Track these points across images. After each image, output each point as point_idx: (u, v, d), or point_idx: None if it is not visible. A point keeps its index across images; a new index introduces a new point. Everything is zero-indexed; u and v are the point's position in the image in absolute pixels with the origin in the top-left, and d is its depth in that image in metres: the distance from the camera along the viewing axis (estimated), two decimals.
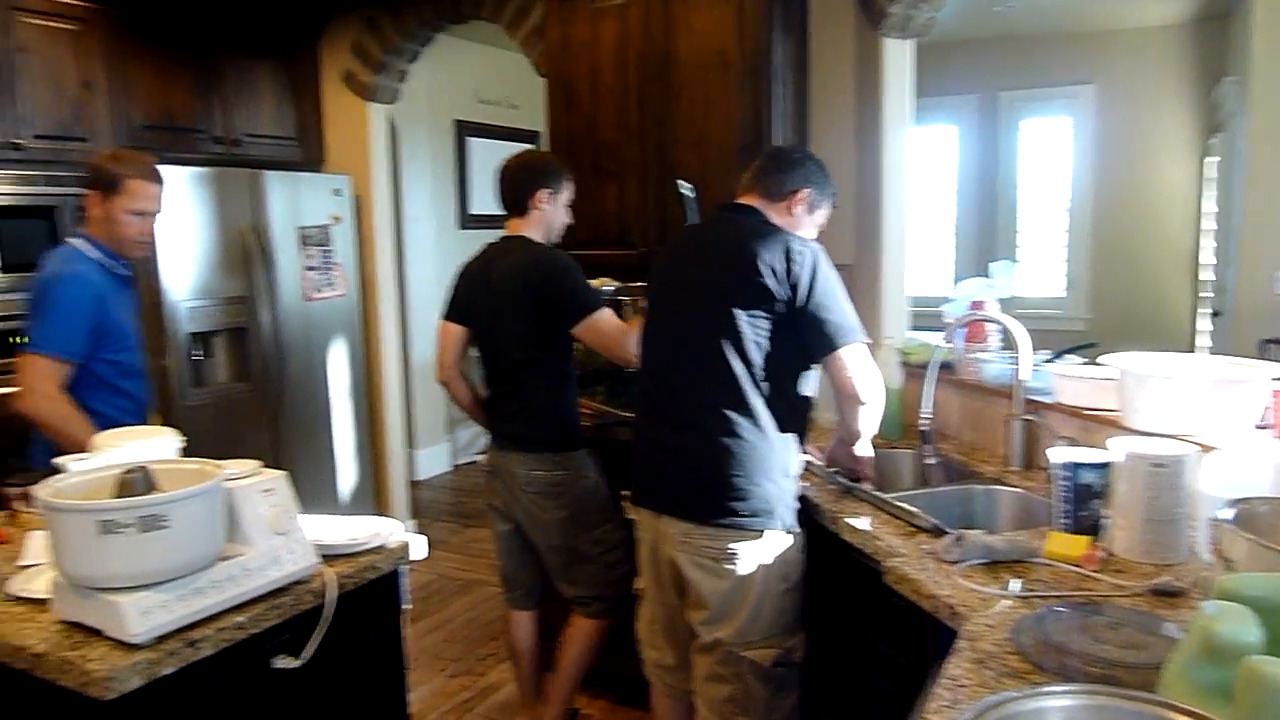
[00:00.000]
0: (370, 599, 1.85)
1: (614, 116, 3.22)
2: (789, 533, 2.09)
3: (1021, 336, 2.40)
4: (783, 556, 2.08)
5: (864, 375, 2.05)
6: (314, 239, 4.36)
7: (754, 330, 2.02)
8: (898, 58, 3.12)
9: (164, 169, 3.67)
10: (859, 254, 3.22)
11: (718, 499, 2.04)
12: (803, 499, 2.17)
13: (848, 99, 3.21)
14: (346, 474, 4.59)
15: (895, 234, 3.18)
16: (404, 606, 1.96)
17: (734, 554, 2.04)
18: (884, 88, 3.10)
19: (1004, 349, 2.79)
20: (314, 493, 4.14)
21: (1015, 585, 1.62)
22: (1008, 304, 2.83)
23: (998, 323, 2.68)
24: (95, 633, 1.47)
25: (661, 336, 2.21)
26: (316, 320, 4.39)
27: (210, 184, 3.90)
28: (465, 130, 6.44)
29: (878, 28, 3.08)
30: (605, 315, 2.56)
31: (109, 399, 2.47)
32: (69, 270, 2.41)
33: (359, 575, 1.80)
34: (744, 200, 2.19)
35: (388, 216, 4.83)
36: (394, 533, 1.92)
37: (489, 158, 6.62)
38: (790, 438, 2.10)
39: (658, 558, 2.21)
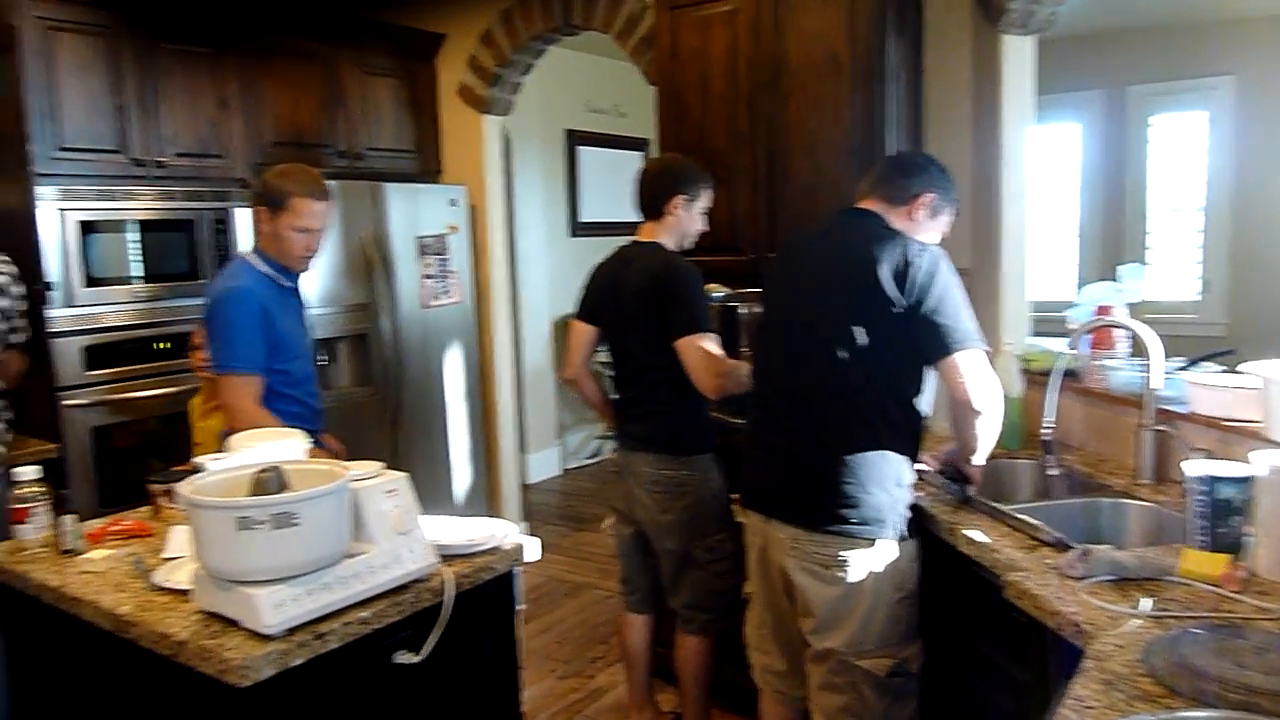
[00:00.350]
0: (486, 599, 1.90)
1: (724, 123, 3.22)
2: (901, 541, 2.05)
3: (1153, 342, 2.30)
4: (895, 565, 2.04)
5: (980, 383, 1.98)
6: (431, 248, 4.50)
7: (871, 336, 1.99)
8: (1018, 55, 3.02)
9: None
10: (977, 258, 3.12)
11: (828, 505, 2.02)
12: (916, 508, 2.12)
13: (964, 99, 3.13)
14: (461, 476, 4.71)
15: (1015, 237, 3.08)
16: (518, 607, 2.00)
17: (844, 561, 2.01)
18: (1003, 86, 3.01)
19: (1133, 356, 2.67)
20: (430, 494, 4.24)
21: (1146, 604, 1.54)
22: (1136, 309, 2.70)
23: (1126, 328, 2.57)
24: (232, 623, 1.55)
25: (777, 340, 2.20)
26: (433, 326, 4.53)
27: (334, 196, 4.05)
28: (576, 139, 6.54)
29: (996, 24, 2.99)
30: (708, 340, 2.55)
31: (281, 407, 2.50)
32: (234, 286, 2.48)
33: (475, 575, 1.85)
34: (864, 205, 2.16)
35: (501, 225, 4.95)
36: (509, 535, 1.97)
37: (599, 166, 6.71)
38: (905, 446, 2.06)
39: (767, 562, 2.20)
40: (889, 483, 2.02)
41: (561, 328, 6.48)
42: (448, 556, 1.84)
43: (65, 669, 1.91)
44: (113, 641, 1.68)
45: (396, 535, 1.68)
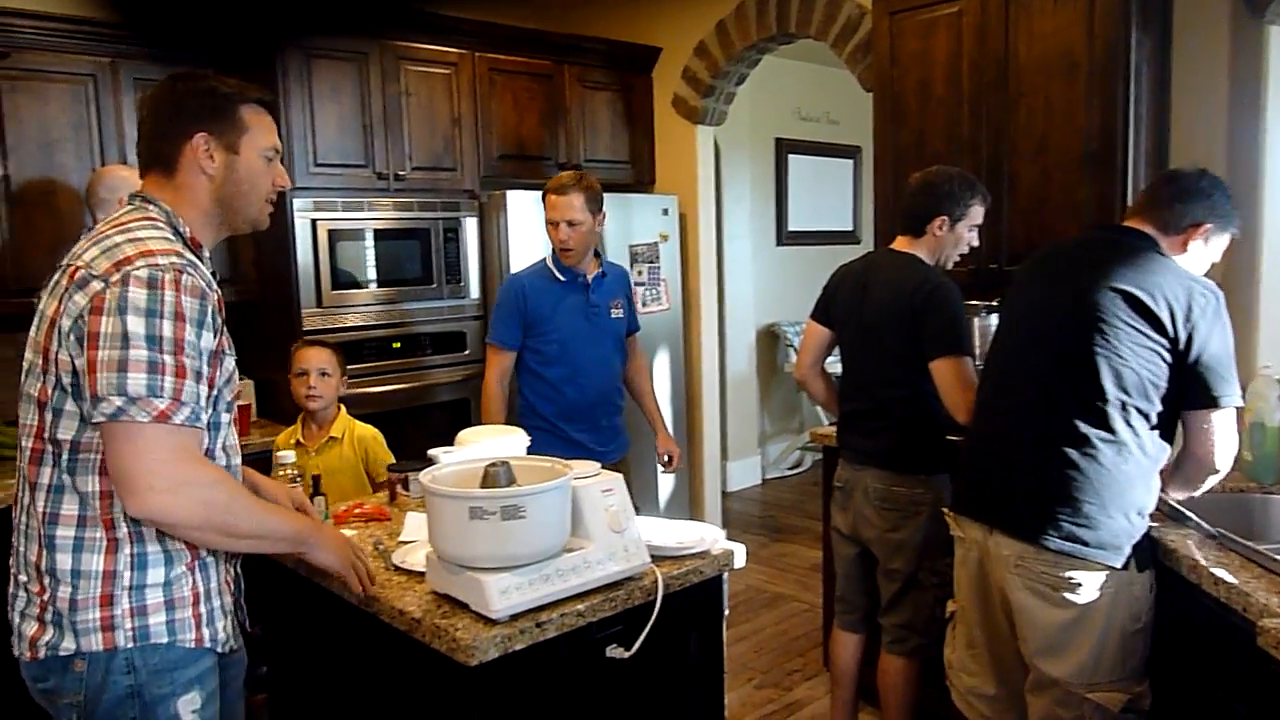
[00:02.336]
0: (694, 602, 1.92)
1: (944, 128, 3.12)
2: (1139, 571, 1.92)
3: None
4: (1131, 594, 1.92)
5: (1226, 443, 1.93)
6: (643, 256, 4.62)
7: (1135, 356, 1.90)
8: None
9: (515, 194, 4.08)
10: (1229, 271, 2.86)
11: (1063, 522, 1.92)
12: (1152, 539, 1.98)
13: (1219, 97, 2.87)
14: (665, 480, 4.79)
15: (1277, 249, 2.80)
16: (724, 612, 2.02)
17: (1076, 584, 1.91)
18: (1267, 81, 2.75)
19: None
20: (634, 496, 4.36)
21: None
22: None
23: None
24: (461, 605, 1.65)
25: (1022, 351, 2.11)
26: (643, 333, 4.59)
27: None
28: (785, 147, 6.51)
29: (1261, 15, 2.73)
30: (966, 362, 2.45)
31: (529, 383, 3.04)
32: (512, 275, 3.17)
33: (685, 578, 1.88)
34: (1135, 224, 2.06)
35: (709, 234, 5.00)
36: (718, 540, 1.99)
37: (808, 174, 6.66)
38: (1152, 472, 1.94)
39: (985, 578, 2.11)
40: (1131, 510, 1.92)
41: (765, 337, 6.46)
42: (658, 557, 1.87)
43: (315, 636, 2.10)
44: (356, 614, 1.83)
45: (612, 533, 1.74)
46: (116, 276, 1.40)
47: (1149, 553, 1.96)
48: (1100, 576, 1.91)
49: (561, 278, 3.03)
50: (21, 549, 1.52)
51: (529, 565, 1.62)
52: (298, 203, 3.62)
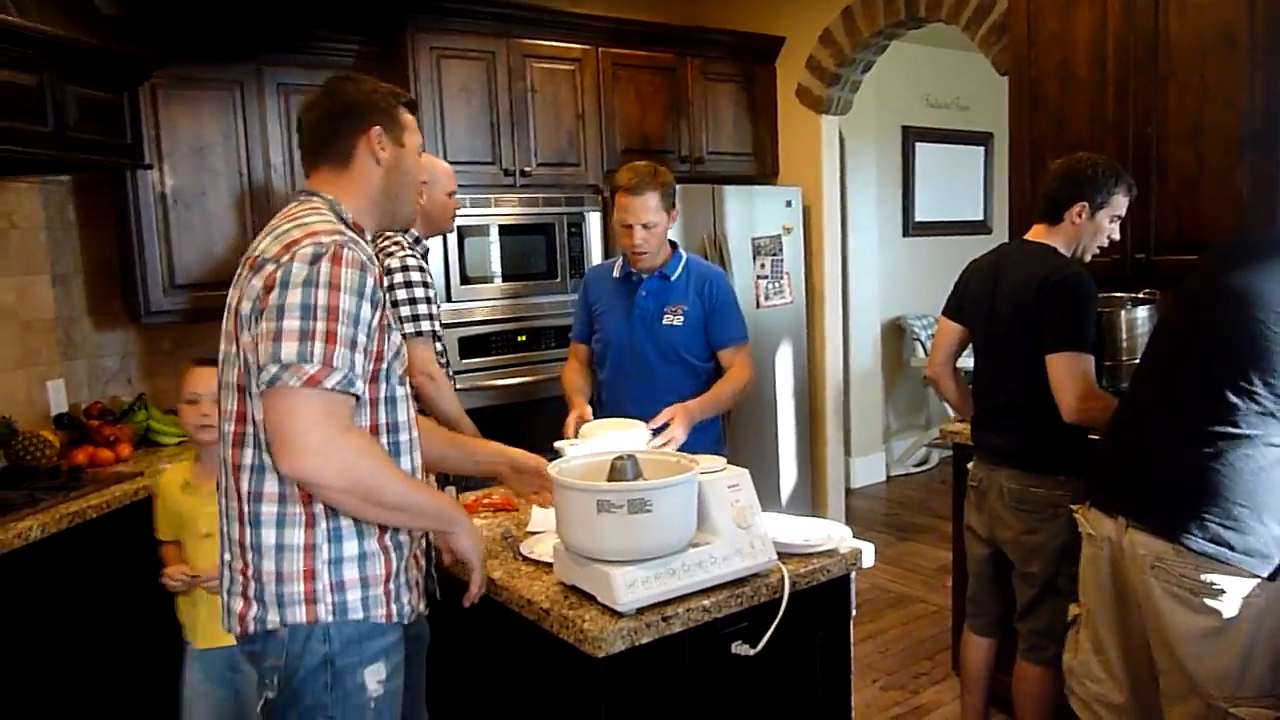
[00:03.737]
0: (821, 600, 1.89)
1: (1086, 112, 2.96)
2: None
3: None
4: None
5: None
6: (766, 249, 4.57)
7: None
8: None
9: None
10: None
11: (1209, 522, 1.81)
12: None
13: None
14: (788, 476, 4.74)
15: None
16: (851, 612, 1.98)
17: (1219, 590, 1.79)
18: None
19: None
20: (757, 491, 4.33)
21: None
22: None
23: None
24: (589, 597, 1.67)
25: (1177, 334, 2.02)
26: (765, 326, 4.59)
27: (678, 200, 4.25)
28: (913, 135, 6.34)
29: None
30: (1083, 359, 2.33)
31: (598, 371, 2.92)
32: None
33: (811, 576, 1.85)
34: None
35: (834, 225, 4.91)
36: (845, 538, 1.95)
37: (936, 163, 6.46)
38: None
39: (1119, 578, 2.00)
40: None
41: (891, 330, 6.31)
42: (785, 554, 1.85)
43: (446, 622, 2.16)
44: (486, 602, 1.87)
45: (738, 529, 1.72)
46: (286, 257, 1.49)
47: None
48: (1248, 584, 1.79)
49: (617, 274, 2.86)
50: (226, 530, 1.60)
51: (655, 559, 1.62)
52: None
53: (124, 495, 2.72)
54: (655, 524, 1.58)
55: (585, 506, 1.59)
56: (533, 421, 3.93)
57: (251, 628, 1.55)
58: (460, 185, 3.80)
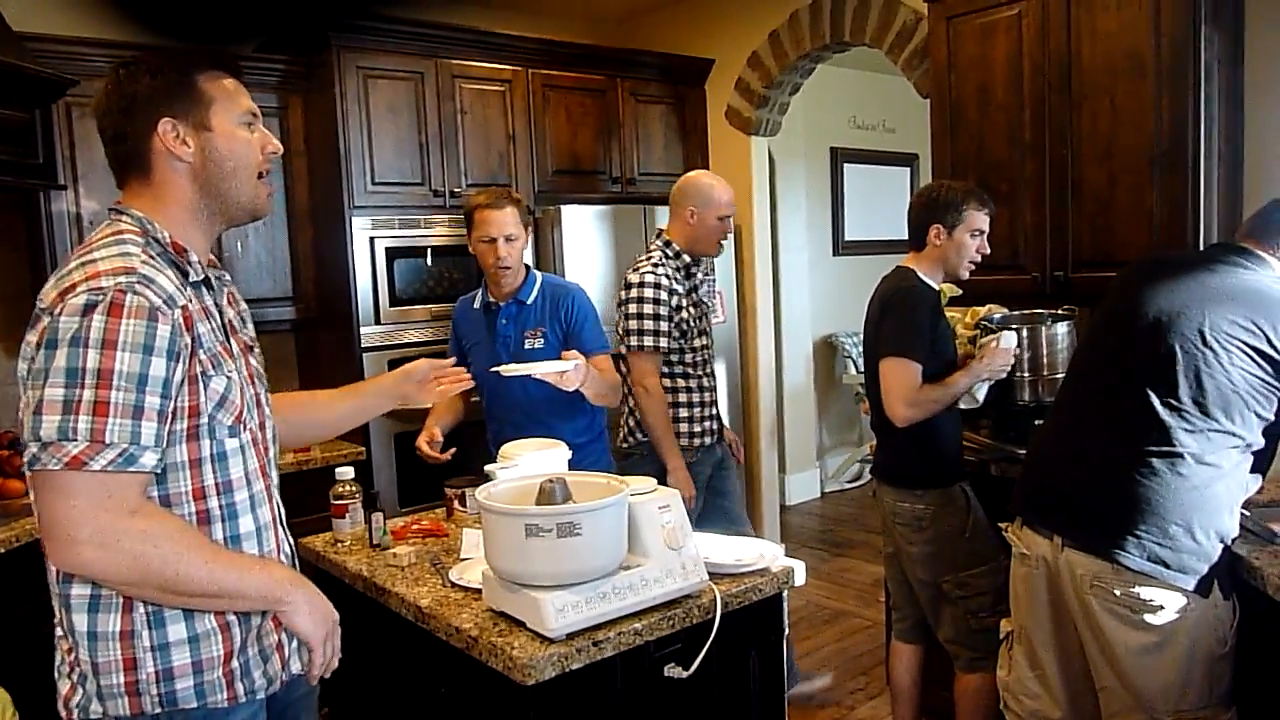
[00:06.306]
0: (754, 620, 1.89)
1: (1005, 133, 3.04)
2: (1224, 596, 1.85)
3: None
4: (1218, 616, 1.85)
5: None
6: None
7: (1239, 382, 1.85)
8: None
9: (570, 209, 4.09)
10: None
11: (1144, 540, 1.85)
12: (1237, 559, 1.90)
13: None
14: None
15: None
16: (785, 630, 1.98)
17: (1157, 606, 1.83)
18: None
19: None
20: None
21: None
22: None
23: None
24: (518, 624, 1.64)
25: (1105, 351, 2.07)
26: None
27: (608, 220, 4.27)
28: (841, 157, 6.45)
29: None
30: (900, 365, 2.46)
31: (482, 401, 2.92)
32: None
33: (744, 595, 1.85)
34: (1247, 244, 2.01)
35: (765, 245, 4.96)
36: (777, 556, 1.95)
37: (865, 183, 6.57)
38: (1237, 498, 1.88)
39: (1057, 594, 2.03)
40: (1211, 532, 1.85)
41: (822, 348, 6.39)
42: (717, 575, 1.84)
43: (374, 651, 2.11)
44: (413, 630, 1.83)
45: (669, 551, 1.71)
46: (59, 307, 1.26)
47: (1229, 576, 1.88)
48: (1181, 599, 1.84)
49: (477, 304, 2.89)
50: (54, 603, 1.40)
51: (586, 583, 1.60)
52: (356, 221, 3.68)
53: (35, 529, 2.60)
54: (585, 547, 1.56)
55: (513, 531, 1.57)
56: (465, 444, 3.88)
57: (75, 715, 1.37)
58: (389, 206, 3.79)
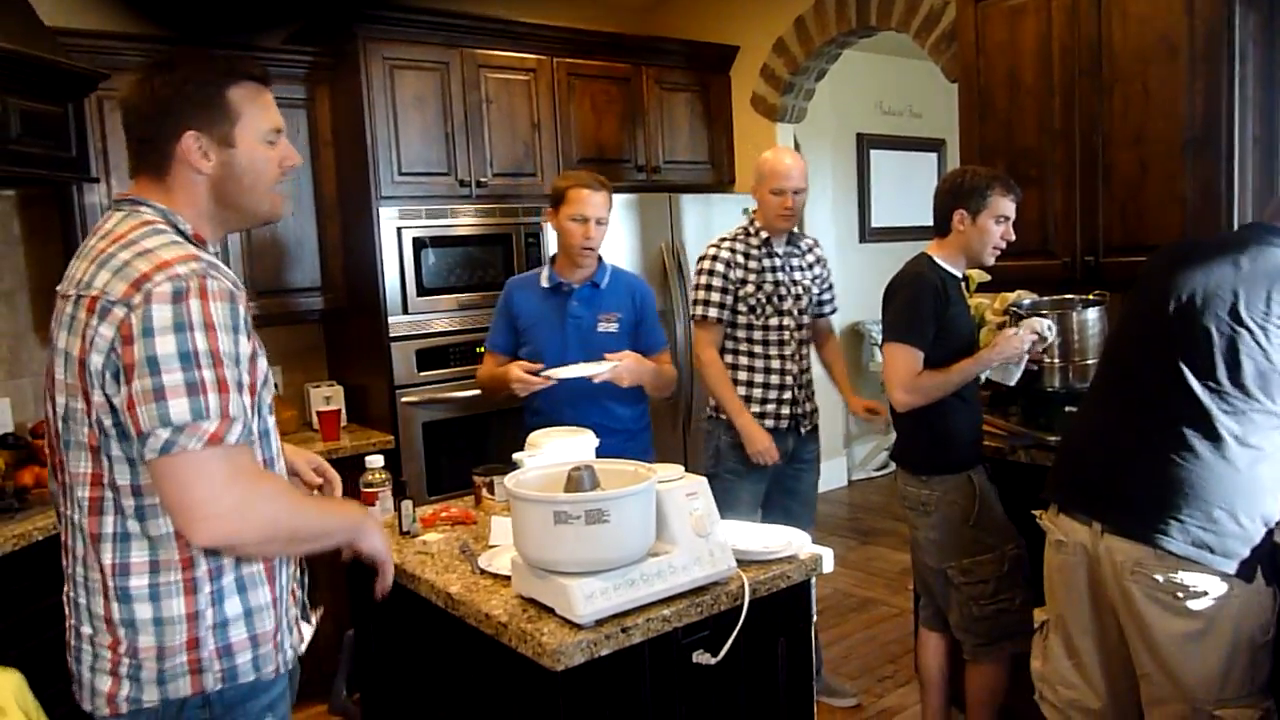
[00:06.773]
0: (782, 607, 1.89)
1: (1034, 119, 3.01)
2: (1266, 583, 1.84)
3: None
4: (1261, 604, 1.83)
5: None
6: None
7: (1265, 352, 1.84)
8: None
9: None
10: None
11: (1188, 526, 1.83)
12: (1276, 545, 1.88)
13: None
14: None
15: None
16: (813, 617, 1.98)
17: (1200, 592, 1.82)
18: None
19: None
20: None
21: None
22: None
23: None
24: (548, 610, 1.66)
25: (1143, 334, 2.04)
26: None
27: (634, 208, 4.27)
28: (867, 143, 6.40)
29: None
30: (900, 350, 2.50)
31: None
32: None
33: (772, 583, 1.85)
34: (1278, 224, 1.98)
35: None
36: (805, 544, 1.95)
37: (891, 169, 6.52)
38: (1278, 477, 1.85)
39: (1096, 582, 2.01)
40: (1256, 516, 1.83)
41: (850, 335, 6.35)
42: (744, 562, 1.85)
43: (402, 635, 2.13)
44: (443, 616, 1.85)
45: (697, 538, 1.72)
46: (138, 298, 1.29)
47: (1270, 563, 1.86)
48: (1224, 585, 1.82)
49: (545, 284, 2.90)
50: (84, 602, 1.42)
51: (614, 570, 1.61)
52: (383, 211, 3.70)
53: (42, 531, 2.62)
54: (613, 534, 1.57)
55: (542, 518, 1.58)
56: (491, 434, 3.91)
57: (123, 709, 1.39)
58: (416, 196, 3.81)
